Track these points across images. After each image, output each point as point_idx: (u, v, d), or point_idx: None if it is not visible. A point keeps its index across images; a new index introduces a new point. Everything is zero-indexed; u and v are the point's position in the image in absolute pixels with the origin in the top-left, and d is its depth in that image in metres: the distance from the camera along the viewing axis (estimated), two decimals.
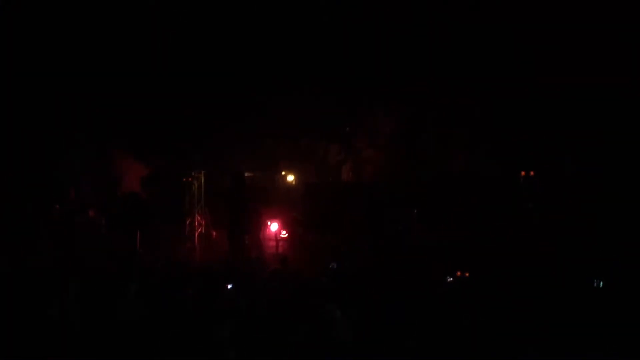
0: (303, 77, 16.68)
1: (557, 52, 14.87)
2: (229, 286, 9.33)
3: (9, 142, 14.16)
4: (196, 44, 16.05)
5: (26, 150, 14.42)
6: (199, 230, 15.15)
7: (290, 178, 16.69)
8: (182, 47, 15.93)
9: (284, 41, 16.45)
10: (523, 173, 14.81)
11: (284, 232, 15.32)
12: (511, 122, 15.78)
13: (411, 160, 16.85)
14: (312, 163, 17.81)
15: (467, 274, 11.38)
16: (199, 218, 15.16)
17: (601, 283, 10.31)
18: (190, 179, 15.25)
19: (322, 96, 16.73)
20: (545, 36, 14.89)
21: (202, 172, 15.45)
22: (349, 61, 16.35)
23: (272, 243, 15.23)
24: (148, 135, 15.90)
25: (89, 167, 14.97)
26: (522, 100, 15.55)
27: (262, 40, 16.36)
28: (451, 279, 11.30)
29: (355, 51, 16.12)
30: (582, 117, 14.67)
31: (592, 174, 14.26)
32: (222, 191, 14.91)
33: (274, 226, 15.33)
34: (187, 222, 15.06)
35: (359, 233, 14.67)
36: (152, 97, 15.79)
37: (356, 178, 17.59)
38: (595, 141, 14.46)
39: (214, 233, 15.21)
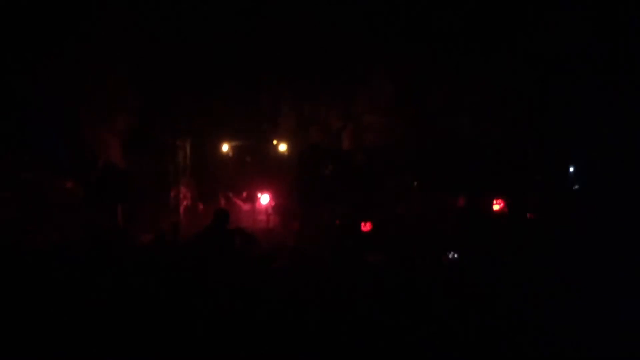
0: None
1: None
2: None
3: None
4: None
5: None
6: (185, 203, 14.28)
7: (283, 147, 15.48)
8: None
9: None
10: None
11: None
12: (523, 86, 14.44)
13: (415, 126, 15.69)
14: (314, 130, 16.66)
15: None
16: (184, 190, 14.28)
17: None
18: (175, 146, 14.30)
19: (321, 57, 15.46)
20: None
21: (189, 139, 14.55)
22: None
23: (263, 217, 14.40)
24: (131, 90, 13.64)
25: (65, 129, 13.04)
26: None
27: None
28: (455, 255, 10.57)
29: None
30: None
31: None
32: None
33: (264, 199, 14.45)
34: (172, 195, 14.19)
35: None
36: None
37: (357, 145, 16.46)
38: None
39: (201, 206, 14.34)
